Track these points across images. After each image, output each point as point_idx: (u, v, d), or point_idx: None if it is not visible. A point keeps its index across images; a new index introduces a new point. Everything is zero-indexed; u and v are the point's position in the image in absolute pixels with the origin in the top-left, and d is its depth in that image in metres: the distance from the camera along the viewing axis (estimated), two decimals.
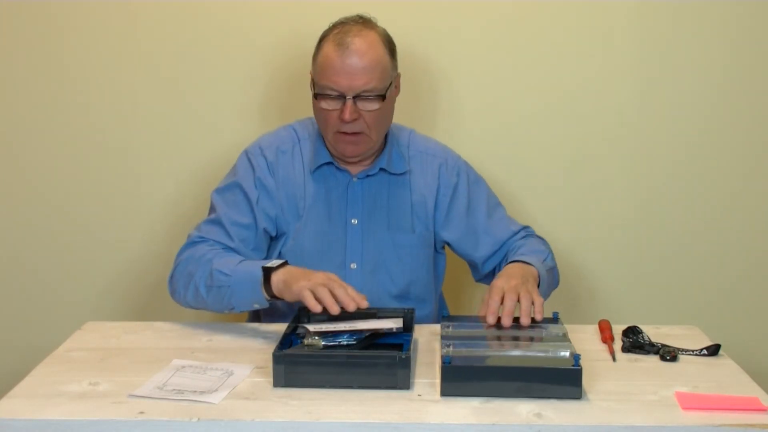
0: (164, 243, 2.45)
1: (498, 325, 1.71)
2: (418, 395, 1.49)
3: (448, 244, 2.09)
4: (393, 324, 1.67)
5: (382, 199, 2.02)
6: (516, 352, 1.59)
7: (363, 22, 1.92)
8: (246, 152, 2.04)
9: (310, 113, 2.00)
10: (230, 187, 2.01)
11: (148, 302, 2.49)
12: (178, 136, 2.43)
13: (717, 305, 2.48)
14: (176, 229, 2.44)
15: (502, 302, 1.73)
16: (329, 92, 1.88)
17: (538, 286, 1.86)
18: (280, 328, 1.76)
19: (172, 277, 1.95)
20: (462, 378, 1.47)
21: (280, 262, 1.79)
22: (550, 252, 2.04)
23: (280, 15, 2.35)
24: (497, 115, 2.41)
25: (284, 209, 1.99)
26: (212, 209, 2.01)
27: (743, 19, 2.35)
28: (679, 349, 1.69)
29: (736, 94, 2.39)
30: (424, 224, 2.04)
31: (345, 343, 1.62)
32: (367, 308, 1.70)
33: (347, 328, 1.64)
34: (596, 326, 1.83)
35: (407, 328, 1.71)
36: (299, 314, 1.76)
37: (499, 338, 1.67)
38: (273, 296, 1.77)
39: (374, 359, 1.52)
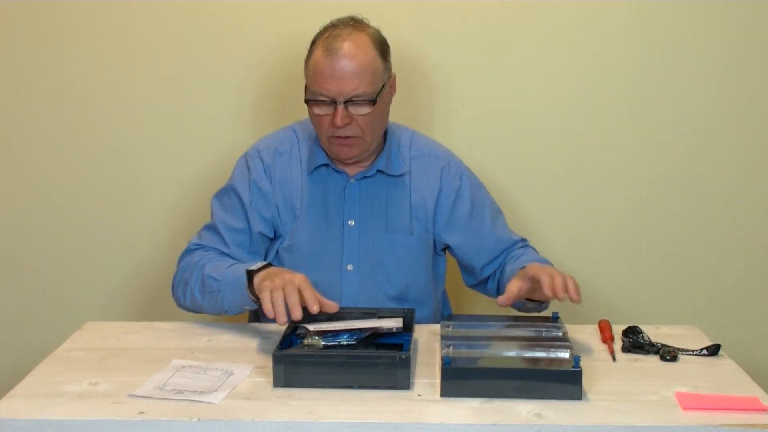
0: (164, 242, 2.45)
1: (509, 323, 1.73)
2: (418, 395, 1.49)
3: (449, 248, 2.09)
4: (394, 324, 1.67)
5: (380, 200, 2.01)
6: (516, 353, 1.59)
7: (354, 24, 1.91)
8: (245, 155, 2.06)
9: None
10: (226, 191, 2.03)
11: (149, 302, 2.49)
12: (179, 136, 2.43)
13: (717, 305, 2.48)
14: (176, 229, 2.44)
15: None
16: (320, 98, 1.89)
17: None
18: (280, 328, 1.76)
19: (173, 284, 1.99)
20: (462, 378, 1.47)
21: (263, 263, 1.79)
22: (548, 263, 2.03)
23: (281, 15, 2.35)
24: (495, 115, 2.41)
25: (280, 211, 1.99)
26: (211, 214, 2.04)
27: (743, 19, 2.35)
28: (679, 349, 1.69)
29: (735, 93, 2.39)
30: (423, 226, 2.03)
31: (345, 343, 1.62)
32: (368, 308, 1.70)
33: (347, 328, 1.64)
34: (596, 326, 1.83)
35: (407, 328, 1.71)
36: None
37: (499, 339, 1.67)
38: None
39: (374, 359, 1.52)
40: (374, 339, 1.66)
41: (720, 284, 2.48)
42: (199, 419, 1.40)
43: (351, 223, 2.00)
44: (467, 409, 1.43)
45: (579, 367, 1.47)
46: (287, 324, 1.65)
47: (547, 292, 1.70)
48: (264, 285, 1.68)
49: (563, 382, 1.46)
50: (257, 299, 1.75)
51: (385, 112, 1.98)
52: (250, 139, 2.20)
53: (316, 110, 1.91)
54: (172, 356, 1.67)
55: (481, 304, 2.43)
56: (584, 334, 1.80)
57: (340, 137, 1.91)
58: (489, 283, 2.09)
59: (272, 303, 1.64)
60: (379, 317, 1.73)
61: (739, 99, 2.39)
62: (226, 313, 1.88)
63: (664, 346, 1.70)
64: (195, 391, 1.49)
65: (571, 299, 1.70)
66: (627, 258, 2.47)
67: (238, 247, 1.97)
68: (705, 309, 2.47)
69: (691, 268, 2.47)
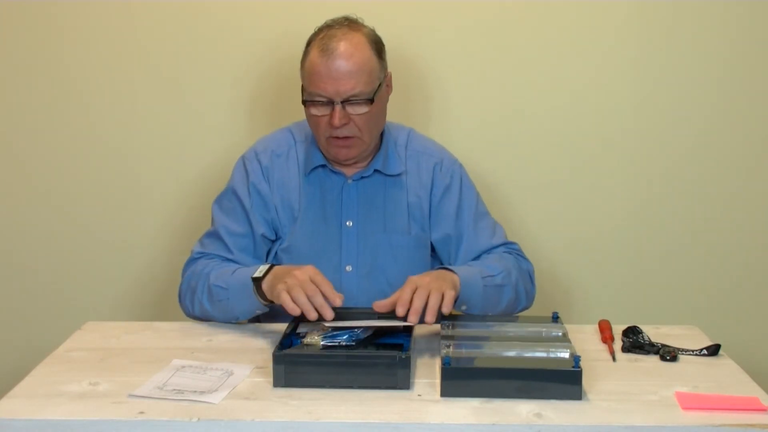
0: (165, 242, 2.45)
1: (509, 323, 1.73)
2: (418, 395, 1.49)
3: (432, 244, 2.07)
4: (401, 322, 1.67)
5: (378, 200, 2.01)
6: (516, 353, 1.59)
7: (348, 24, 1.91)
8: (242, 158, 2.05)
9: None
10: (227, 194, 2.03)
11: (149, 302, 2.49)
12: (179, 136, 2.43)
13: (717, 305, 2.48)
14: (176, 228, 2.44)
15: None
16: (317, 99, 1.88)
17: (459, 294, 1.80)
18: (280, 328, 1.76)
19: (179, 295, 1.98)
20: (462, 378, 1.47)
21: (266, 267, 1.79)
22: (511, 272, 1.94)
23: (281, 14, 2.35)
24: (492, 115, 2.41)
25: (279, 213, 1.99)
26: (212, 221, 2.03)
27: (743, 19, 2.35)
28: (679, 349, 1.69)
29: (736, 93, 2.39)
30: (420, 225, 2.03)
31: (345, 343, 1.62)
32: (369, 309, 1.70)
33: (362, 325, 1.64)
34: (596, 326, 1.83)
35: (407, 328, 1.71)
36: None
37: (499, 339, 1.66)
38: (270, 301, 1.79)
39: (374, 359, 1.52)
40: (374, 339, 1.66)
41: (720, 284, 2.48)
42: (199, 419, 1.40)
43: (349, 224, 2.00)
44: (467, 409, 1.43)
45: (579, 367, 1.47)
46: (316, 319, 1.65)
47: (397, 309, 1.65)
48: (279, 288, 1.69)
49: (563, 382, 1.46)
50: (268, 302, 1.77)
51: (383, 111, 1.98)
52: (249, 139, 2.20)
53: (314, 111, 1.91)
54: (172, 356, 1.67)
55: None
56: (584, 334, 1.80)
57: (338, 138, 1.91)
58: None
59: (295, 302, 1.65)
60: (379, 317, 1.73)
61: (739, 99, 2.39)
62: (237, 320, 1.89)
63: (664, 346, 1.70)
64: (195, 391, 1.49)
65: (425, 321, 1.64)
66: (627, 258, 2.47)
67: (242, 252, 1.97)
68: (705, 309, 2.47)
69: (691, 268, 2.47)
